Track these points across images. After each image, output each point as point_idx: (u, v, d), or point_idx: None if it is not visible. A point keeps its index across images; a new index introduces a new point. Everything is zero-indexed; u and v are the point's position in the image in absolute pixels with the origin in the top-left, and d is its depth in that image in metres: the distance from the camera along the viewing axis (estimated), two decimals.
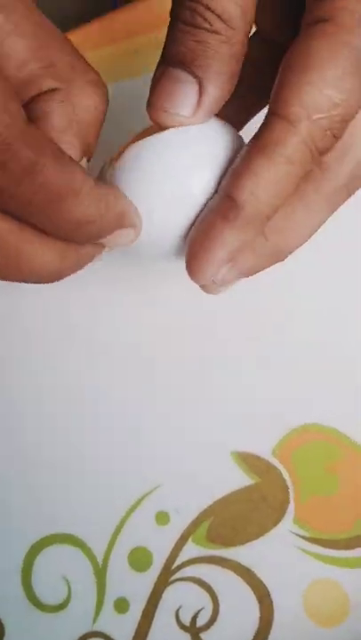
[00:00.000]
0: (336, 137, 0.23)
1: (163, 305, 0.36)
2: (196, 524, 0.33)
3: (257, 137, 0.23)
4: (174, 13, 0.23)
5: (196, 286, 0.26)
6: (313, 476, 0.33)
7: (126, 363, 0.35)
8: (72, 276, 0.25)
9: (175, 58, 0.23)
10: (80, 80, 0.23)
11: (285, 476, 0.33)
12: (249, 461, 0.33)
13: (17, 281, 0.24)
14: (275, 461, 0.33)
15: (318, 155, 0.23)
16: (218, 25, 0.22)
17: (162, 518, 0.33)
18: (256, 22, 0.27)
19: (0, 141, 0.20)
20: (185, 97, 0.23)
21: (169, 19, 0.23)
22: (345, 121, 0.22)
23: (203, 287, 0.26)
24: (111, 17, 0.41)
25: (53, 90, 0.23)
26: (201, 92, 0.23)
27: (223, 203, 0.23)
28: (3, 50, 0.22)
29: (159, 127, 0.24)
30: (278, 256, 0.26)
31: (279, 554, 0.32)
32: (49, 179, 0.21)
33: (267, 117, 0.23)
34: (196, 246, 0.24)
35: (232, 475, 0.33)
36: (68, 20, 0.41)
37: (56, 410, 0.34)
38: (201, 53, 0.22)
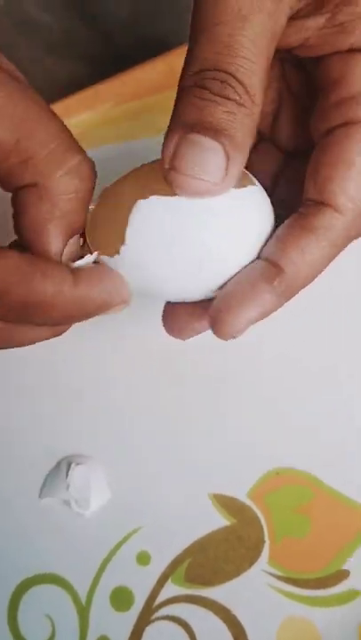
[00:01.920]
0: None
1: (133, 351, 0.38)
2: (175, 564, 0.34)
3: (307, 219, 0.26)
4: (199, 82, 0.24)
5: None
6: (286, 517, 0.35)
7: (101, 410, 0.37)
8: None
9: (202, 126, 0.24)
10: (58, 172, 0.24)
11: (260, 517, 0.35)
12: (225, 503, 0.35)
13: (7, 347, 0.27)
14: (250, 503, 0.35)
15: (354, 239, 0.26)
16: (245, 98, 0.24)
17: (143, 558, 0.34)
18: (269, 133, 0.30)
19: None
20: (214, 164, 0.24)
21: (183, 86, 0.25)
22: None
23: (217, 334, 0.27)
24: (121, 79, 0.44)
25: (33, 184, 0.25)
26: (228, 162, 0.24)
27: (269, 268, 0.26)
28: None
29: (181, 193, 0.25)
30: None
31: (254, 593, 0.34)
32: (17, 300, 0.24)
33: (314, 206, 0.26)
34: (231, 302, 0.26)
35: (210, 516, 0.35)
36: (70, 83, 0.43)
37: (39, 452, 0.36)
38: (230, 124, 0.24)
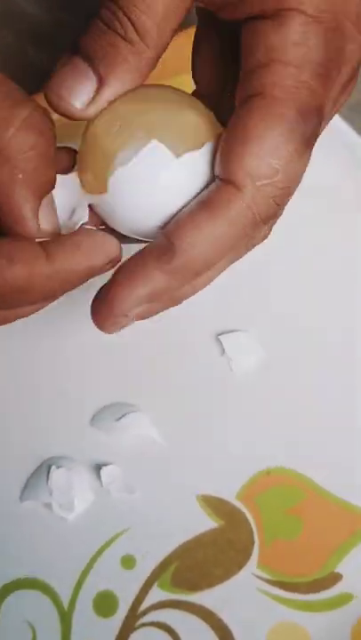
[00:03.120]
0: (279, 205, 0.24)
1: (117, 353, 0.37)
2: (161, 568, 0.33)
3: (206, 196, 0.24)
4: (99, 11, 0.24)
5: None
6: (276, 519, 0.34)
7: (86, 410, 0.36)
8: None
9: (84, 50, 0.24)
10: (8, 131, 0.23)
11: (250, 519, 0.34)
12: (214, 505, 0.34)
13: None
14: (239, 505, 0.34)
15: (261, 221, 0.24)
16: (132, 35, 0.24)
17: (128, 562, 0.33)
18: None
19: None
20: (82, 90, 0.24)
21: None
22: (287, 188, 0.24)
23: (103, 322, 0.25)
24: None
25: None
26: (97, 91, 0.24)
27: (161, 244, 0.24)
28: None
29: (52, 109, 0.25)
30: (180, 302, 0.27)
31: (243, 597, 0.33)
32: None
33: (215, 182, 0.24)
34: (119, 278, 0.25)
35: (197, 518, 0.34)
36: None
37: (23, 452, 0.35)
38: (110, 55, 0.24)
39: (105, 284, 0.25)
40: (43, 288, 0.24)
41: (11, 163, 0.23)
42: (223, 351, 0.36)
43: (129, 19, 0.23)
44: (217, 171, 0.24)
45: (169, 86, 0.27)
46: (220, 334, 0.37)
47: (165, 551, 0.33)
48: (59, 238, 0.24)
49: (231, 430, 0.35)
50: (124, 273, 0.24)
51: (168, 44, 0.24)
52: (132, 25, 0.23)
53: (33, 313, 0.26)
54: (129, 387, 0.36)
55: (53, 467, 0.34)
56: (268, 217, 0.24)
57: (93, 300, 0.25)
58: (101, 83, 0.24)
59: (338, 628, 0.32)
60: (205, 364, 0.36)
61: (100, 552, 0.33)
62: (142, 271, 0.24)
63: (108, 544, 0.33)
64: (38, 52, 0.45)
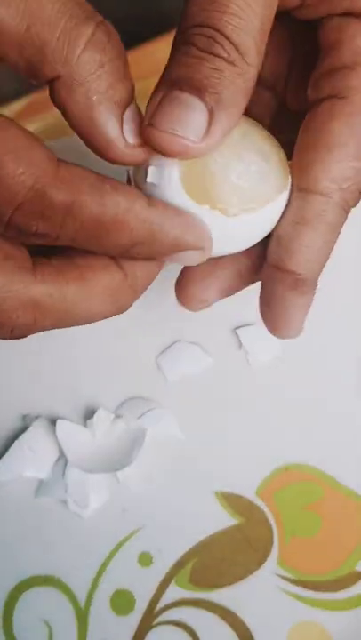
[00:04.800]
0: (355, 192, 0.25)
1: (136, 344, 0.36)
2: (179, 565, 0.33)
3: (300, 215, 0.25)
4: (187, 39, 0.22)
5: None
6: (296, 516, 0.33)
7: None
8: None
9: (186, 83, 0.22)
10: (74, 53, 0.22)
11: (269, 516, 0.33)
12: (232, 501, 0.33)
13: (74, 326, 0.25)
14: (258, 501, 0.33)
15: (350, 209, 0.25)
16: (235, 56, 0.22)
17: (145, 559, 0.33)
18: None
19: (34, 192, 0.21)
20: (194, 122, 0.22)
21: (173, 44, 0.23)
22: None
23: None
24: None
25: (57, 77, 0.22)
26: (210, 121, 0.22)
27: (289, 277, 0.25)
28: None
29: (158, 150, 0.23)
30: None
31: (263, 596, 0.32)
32: (89, 215, 0.22)
33: (301, 194, 0.25)
34: (279, 322, 0.27)
35: (216, 515, 0.33)
36: None
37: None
38: (216, 82, 0.22)
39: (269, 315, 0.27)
40: (135, 231, 0.23)
41: (84, 85, 0.22)
42: (240, 345, 0.36)
43: (228, 39, 0.22)
44: (300, 182, 0.24)
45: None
46: (237, 328, 0.36)
47: (183, 548, 0.33)
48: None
49: (249, 426, 0.35)
50: (280, 318, 0.27)
51: (262, 59, 0.23)
52: (233, 45, 0.22)
53: (103, 315, 0.25)
54: (150, 381, 0.36)
55: (69, 464, 0.33)
56: (355, 203, 0.25)
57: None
58: (212, 112, 0.22)
59: (359, 627, 0.31)
60: (223, 357, 0.36)
61: (116, 549, 0.33)
62: (288, 307, 0.26)
63: (124, 541, 0.33)
64: None
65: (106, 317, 0.25)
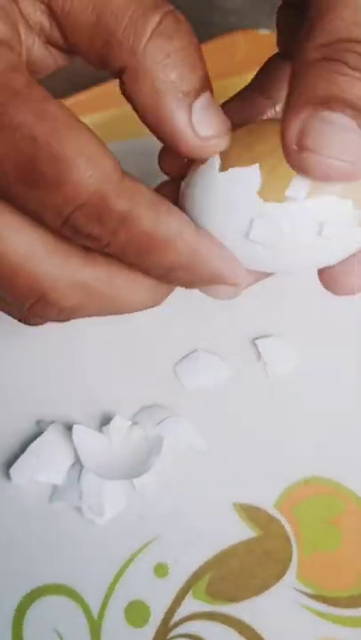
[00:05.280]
0: None
1: (161, 356, 0.36)
2: (196, 577, 0.32)
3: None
4: (333, 55, 0.21)
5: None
6: (315, 530, 0.32)
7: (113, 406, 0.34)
8: None
9: (337, 102, 0.21)
10: (140, 43, 0.21)
11: (288, 529, 0.32)
12: (251, 513, 0.33)
13: (113, 314, 0.25)
14: (277, 514, 0.33)
15: None
16: None
17: (161, 570, 0.32)
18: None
19: (97, 196, 0.21)
20: (354, 144, 0.21)
21: (308, 60, 0.21)
22: None
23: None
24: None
25: (124, 67, 0.22)
26: None
27: None
28: None
29: (315, 176, 0.21)
30: None
31: (282, 611, 0.31)
32: (142, 229, 0.22)
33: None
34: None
35: (234, 527, 0.32)
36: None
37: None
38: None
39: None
40: (180, 254, 0.23)
41: (150, 75, 0.22)
42: (259, 356, 0.36)
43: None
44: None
45: None
46: (256, 339, 0.36)
47: (200, 560, 0.32)
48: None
49: (267, 438, 0.34)
50: None
51: None
52: None
53: (142, 307, 0.25)
54: (168, 389, 0.35)
55: (84, 469, 0.32)
56: None
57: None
58: None
59: None
60: (241, 367, 0.36)
61: (131, 559, 0.32)
62: None
63: (140, 550, 0.32)
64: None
65: (145, 308, 0.25)
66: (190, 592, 0.31)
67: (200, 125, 0.22)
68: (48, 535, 0.32)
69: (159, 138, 0.23)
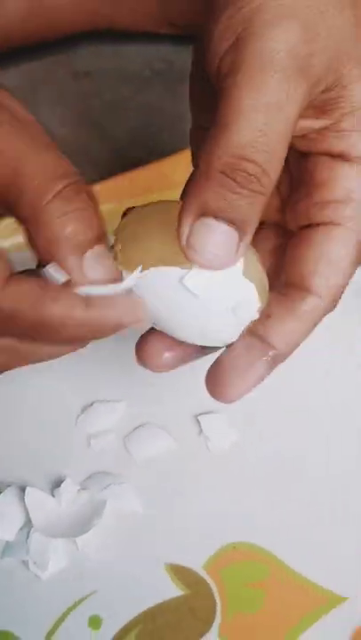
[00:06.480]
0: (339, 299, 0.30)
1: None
2: (125, 630, 0.35)
3: (292, 303, 0.29)
4: (228, 172, 0.26)
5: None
6: (239, 592, 0.35)
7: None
8: None
9: (221, 214, 0.26)
10: (43, 201, 0.26)
11: (214, 589, 0.36)
12: (181, 574, 0.36)
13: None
14: (205, 575, 0.36)
15: (330, 311, 0.30)
16: (267, 189, 0.26)
17: (95, 622, 0.35)
18: None
19: None
20: (227, 246, 0.27)
21: (210, 168, 0.26)
22: (343, 288, 0.30)
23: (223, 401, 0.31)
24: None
25: (27, 219, 0.27)
26: (240, 243, 0.27)
27: (263, 346, 0.30)
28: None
29: (205, 267, 0.27)
30: None
31: None
32: (29, 323, 0.27)
33: (298, 292, 0.29)
34: (234, 376, 0.30)
35: (164, 585, 0.36)
36: None
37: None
38: (249, 213, 0.26)
39: (216, 376, 0.30)
40: (74, 331, 0.27)
41: (49, 227, 0.26)
42: (201, 430, 0.39)
43: (268, 175, 0.26)
44: (296, 281, 0.29)
45: None
46: (199, 415, 0.40)
47: (130, 614, 0.35)
48: (101, 294, 0.28)
49: (202, 505, 0.38)
50: (236, 370, 0.30)
51: None
52: (269, 179, 0.26)
53: (62, 355, 0.29)
54: (117, 457, 0.39)
55: (33, 528, 0.36)
56: (335, 306, 0.30)
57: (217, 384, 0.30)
58: (241, 237, 0.27)
59: None
60: (185, 441, 0.39)
61: (69, 610, 0.35)
62: (251, 369, 0.30)
63: (77, 603, 0.35)
64: None
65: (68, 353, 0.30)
66: None
67: (89, 272, 0.27)
68: None
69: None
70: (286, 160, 0.28)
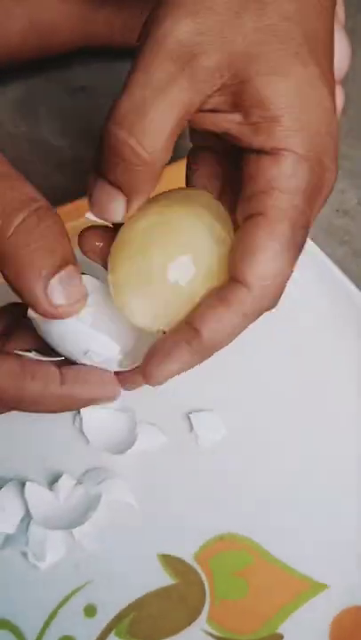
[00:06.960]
0: (276, 299, 0.31)
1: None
2: (119, 618, 0.37)
3: (223, 294, 0.30)
4: (111, 146, 0.28)
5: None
6: (226, 580, 0.37)
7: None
8: None
9: (113, 182, 0.29)
10: (7, 232, 0.29)
11: (203, 578, 0.37)
12: (172, 563, 0.38)
13: None
14: (195, 565, 0.38)
15: (264, 310, 0.31)
16: (145, 157, 0.28)
17: (90, 610, 0.37)
18: None
19: None
20: (119, 210, 0.30)
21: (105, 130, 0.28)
22: (283, 284, 0.31)
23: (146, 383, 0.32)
24: None
25: None
26: (128, 203, 0.30)
27: (189, 331, 0.30)
28: None
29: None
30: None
31: None
32: (10, 398, 0.31)
33: (230, 282, 0.30)
34: (156, 358, 0.31)
35: (156, 574, 0.38)
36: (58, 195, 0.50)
37: None
38: (134, 182, 0.29)
39: (146, 359, 0.31)
40: (51, 404, 0.31)
41: (15, 258, 0.29)
42: (192, 427, 0.41)
43: (145, 148, 0.28)
44: (232, 273, 0.30)
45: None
46: (190, 412, 0.42)
47: (124, 603, 0.37)
48: (76, 368, 0.32)
49: (192, 498, 0.39)
50: (158, 355, 0.31)
51: (171, 152, 0.30)
52: (147, 151, 0.28)
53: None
54: (109, 453, 0.41)
55: (32, 521, 0.38)
56: (270, 306, 0.31)
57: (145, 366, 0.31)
58: (129, 200, 0.30)
59: None
60: (176, 437, 0.41)
61: (66, 599, 0.37)
62: (175, 352, 0.30)
63: (74, 592, 0.37)
64: (61, 176, 0.54)
65: None
66: (114, 631, 0.36)
67: (54, 296, 0.29)
68: None
69: (23, 300, 0.30)
70: (232, 161, 0.30)
